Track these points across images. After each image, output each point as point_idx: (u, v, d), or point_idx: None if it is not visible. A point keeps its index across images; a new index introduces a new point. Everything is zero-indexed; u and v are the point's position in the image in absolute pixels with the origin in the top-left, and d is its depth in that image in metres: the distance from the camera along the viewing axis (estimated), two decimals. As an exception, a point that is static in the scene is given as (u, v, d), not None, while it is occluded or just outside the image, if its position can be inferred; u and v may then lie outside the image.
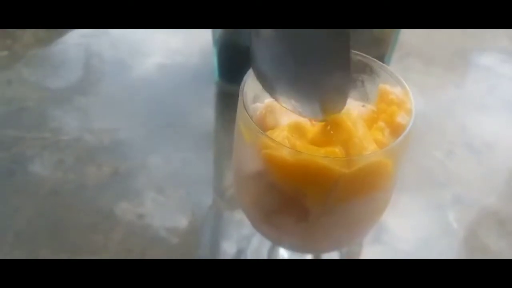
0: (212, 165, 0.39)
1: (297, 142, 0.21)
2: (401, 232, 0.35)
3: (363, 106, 0.26)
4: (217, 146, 0.41)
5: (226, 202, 0.36)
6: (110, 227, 0.34)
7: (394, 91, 0.24)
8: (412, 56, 0.48)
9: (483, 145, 0.42)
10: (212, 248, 0.34)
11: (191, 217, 0.35)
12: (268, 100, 0.23)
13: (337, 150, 0.21)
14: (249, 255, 0.33)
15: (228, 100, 0.43)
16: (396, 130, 0.22)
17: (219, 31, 0.40)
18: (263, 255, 0.33)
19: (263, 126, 0.22)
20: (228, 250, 0.33)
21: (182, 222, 0.35)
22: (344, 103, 0.21)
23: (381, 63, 0.25)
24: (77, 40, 0.48)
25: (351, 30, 0.20)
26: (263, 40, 0.21)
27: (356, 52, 0.25)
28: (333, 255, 0.33)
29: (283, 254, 0.33)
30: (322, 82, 0.21)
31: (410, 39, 0.47)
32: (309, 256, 0.32)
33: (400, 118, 0.22)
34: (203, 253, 0.33)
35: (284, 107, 0.22)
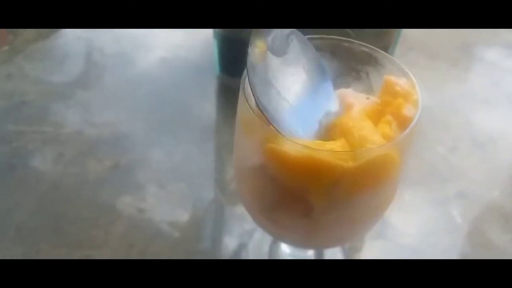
0: (214, 159, 0.39)
1: None
2: (404, 227, 0.34)
3: (367, 98, 0.25)
4: (218, 139, 0.40)
5: (228, 196, 0.35)
6: (111, 221, 0.33)
7: (400, 83, 0.23)
8: (415, 50, 0.47)
9: (487, 140, 0.41)
10: (213, 243, 0.33)
11: (193, 211, 0.34)
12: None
13: (342, 144, 0.20)
14: (251, 249, 0.32)
15: (229, 93, 0.42)
16: (403, 122, 0.21)
17: (220, 24, 0.39)
18: (265, 250, 0.33)
19: (264, 119, 0.21)
20: (230, 245, 0.33)
21: (184, 216, 0.34)
22: None
23: (386, 53, 0.25)
24: (78, 34, 0.47)
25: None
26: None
27: (361, 42, 0.24)
28: (335, 250, 0.33)
29: (285, 249, 0.32)
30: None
31: (413, 33, 0.46)
32: (310, 252, 0.31)
33: (407, 111, 0.21)
34: (205, 248, 0.33)
35: None
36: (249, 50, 0.21)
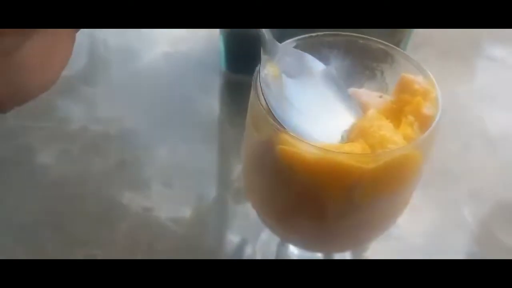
0: (219, 156, 0.38)
1: None
2: (414, 227, 0.33)
3: (380, 97, 0.24)
4: (223, 136, 0.39)
5: (233, 194, 0.34)
6: (116, 219, 0.33)
7: (418, 81, 0.21)
8: (427, 46, 0.45)
9: (499, 138, 0.39)
10: (218, 241, 0.32)
11: (197, 208, 0.34)
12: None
13: (361, 145, 0.18)
14: (258, 249, 0.32)
15: (234, 89, 0.41)
16: (423, 122, 0.20)
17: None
18: (272, 250, 0.32)
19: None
20: (235, 243, 0.32)
21: (188, 213, 0.33)
22: None
23: (402, 51, 0.23)
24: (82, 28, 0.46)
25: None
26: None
27: (377, 39, 0.22)
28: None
29: (293, 250, 0.31)
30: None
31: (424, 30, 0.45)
32: (319, 254, 0.30)
33: (427, 110, 0.20)
34: (210, 246, 0.32)
35: None
36: (261, 70, 0.20)
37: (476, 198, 0.35)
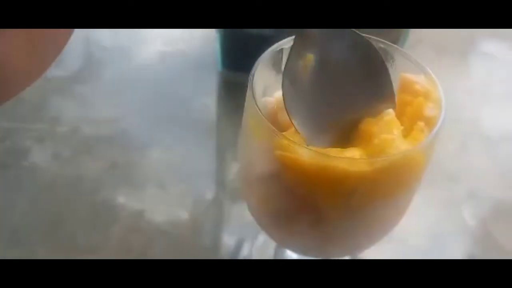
0: (214, 157, 0.37)
1: None
2: (413, 228, 0.33)
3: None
4: (219, 137, 0.38)
5: (229, 195, 0.34)
6: (110, 222, 0.32)
7: (419, 81, 0.20)
8: (424, 43, 0.45)
9: (498, 137, 0.39)
10: (214, 243, 0.32)
11: (193, 210, 0.33)
12: (278, 93, 0.20)
13: (360, 151, 0.17)
14: (255, 251, 0.31)
15: (231, 89, 0.40)
16: (426, 124, 0.19)
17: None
18: (270, 252, 0.31)
19: (275, 123, 0.19)
20: (231, 245, 0.31)
21: (184, 215, 0.32)
22: None
23: (401, 49, 0.22)
24: (75, 27, 0.45)
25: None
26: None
27: (378, 38, 0.21)
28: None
29: (291, 253, 0.30)
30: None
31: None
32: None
33: (429, 110, 0.19)
34: (206, 248, 0.31)
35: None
36: (291, 59, 0.18)
37: (475, 199, 0.34)
